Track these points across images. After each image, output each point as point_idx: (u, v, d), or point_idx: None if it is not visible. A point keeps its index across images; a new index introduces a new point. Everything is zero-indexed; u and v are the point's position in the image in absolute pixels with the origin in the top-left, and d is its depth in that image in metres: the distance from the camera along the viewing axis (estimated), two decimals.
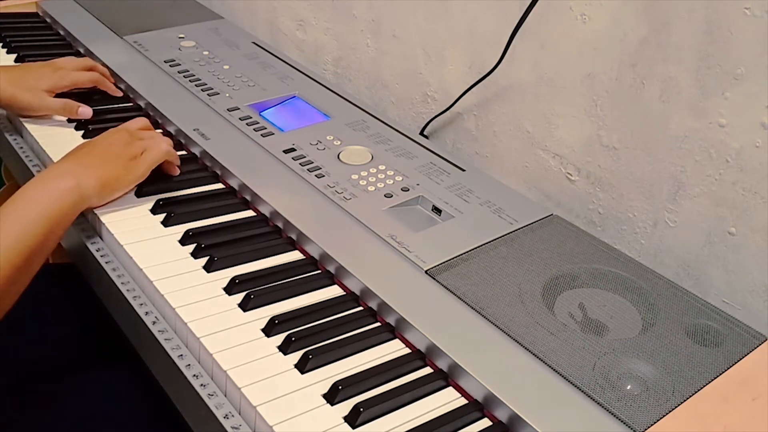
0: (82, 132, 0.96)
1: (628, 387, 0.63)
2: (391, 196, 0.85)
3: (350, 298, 0.73)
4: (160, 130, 0.99)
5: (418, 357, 0.67)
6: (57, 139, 0.94)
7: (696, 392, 0.63)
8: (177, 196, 0.85)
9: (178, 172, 0.88)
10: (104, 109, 1.03)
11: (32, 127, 0.95)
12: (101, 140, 0.82)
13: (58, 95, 0.97)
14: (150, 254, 0.75)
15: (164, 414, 0.75)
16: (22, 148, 0.96)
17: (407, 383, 0.64)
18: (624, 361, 0.65)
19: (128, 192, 0.83)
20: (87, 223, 0.82)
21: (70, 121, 0.98)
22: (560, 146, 0.95)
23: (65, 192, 0.73)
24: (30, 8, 1.35)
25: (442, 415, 0.61)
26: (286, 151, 0.92)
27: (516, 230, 0.81)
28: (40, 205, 0.71)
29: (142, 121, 0.89)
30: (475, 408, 0.62)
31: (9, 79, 0.93)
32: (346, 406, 0.61)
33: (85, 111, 0.97)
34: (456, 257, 0.76)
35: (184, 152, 0.95)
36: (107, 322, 0.80)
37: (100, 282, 0.78)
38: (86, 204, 0.77)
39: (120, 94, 1.07)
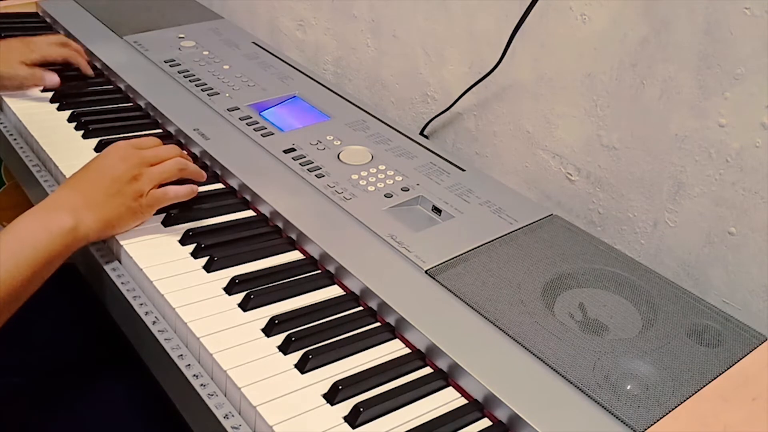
0: (82, 132, 0.96)
1: (628, 387, 0.63)
2: (391, 196, 0.85)
3: (350, 298, 0.73)
4: (160, 131, 1.00)
5: (418, 357, 0.67)
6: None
7: (696, 392, 0.63)
8: None
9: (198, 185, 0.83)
10: (104, 109, 1.03)
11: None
12: (107, 169, 0.75)
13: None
14: (150, 254, 0.75)
15: (164, 414, 0.75)
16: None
17: (407, 383, 0.64)
18: (624, 361, 0.65)
19: None
20: None
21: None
22: (560, 146, 0.95)
23: (62, 232, 0.69)
24: (30, 8, 1.35)
25: (442, 415, 0.62)
26: (286, 151, 0.92)
27: (516, 230, 0.81)
28: (33, 242, 0.67)
29: (153, 141, 0.83)
30: (475, 408, 0.62)
31: None
32: (346, 406, 0.61)
33: (52, 79, 1.01)
34: (456, 257, 0.76)
35: (183, 152, 0.95)
36: (107, 323, 0.80)
37: (100, 282, 0.78)
38: (81, 244, 0.72)
39: (92, 73, 1.10)
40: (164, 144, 0.84)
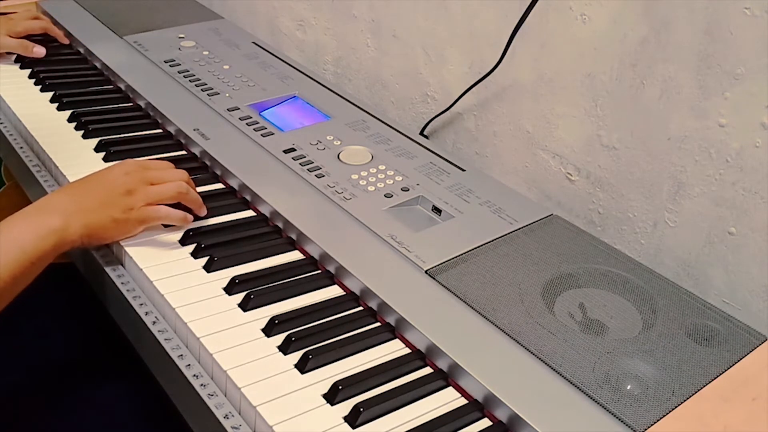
0: (82, 132, 0.96)
1: (628, 387, 0.63)
2: (391, 196, 0.85)
3: (350, 298, 0.73)
4: (160, 130, 1.00)
5: (418, 357, 0.67)
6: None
7: (696, 392, 0.63)
8: None
9: (203, 212, 0.82)
10: (104, 109, 1.03)
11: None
12: (107, 181, 0.77)
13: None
14: (150, 254, 0.75)
15: (164, 414, 0.75)
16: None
17: (407, 383, 0.64)
18: (624, 361, 0.65)
19: None
20: None
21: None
22: (560, 146, 0.95)
23: (50, 232, 0.69)
24: (30, 8, 1.34)
25: (442, 415, 0.62)
26: (286, 151, 0.92)
27: (516, 230, 0.81)
28: (21, 243, 0.67)
29: (164, 164, 0.83)
30: (475, 408, 0.62)
31: None
32: (346, 406, 0.61)
33: (40, 50, 1.14)
34: (456, 257, 0.76)
35: (183, 152, 0.95)
36: (107, 323, 0.80)
37: (100, 282, 0.78)
38: (68, 247, 0.72)
39: (67, 41, 1.21)
40: (177, 168, 0.83)
